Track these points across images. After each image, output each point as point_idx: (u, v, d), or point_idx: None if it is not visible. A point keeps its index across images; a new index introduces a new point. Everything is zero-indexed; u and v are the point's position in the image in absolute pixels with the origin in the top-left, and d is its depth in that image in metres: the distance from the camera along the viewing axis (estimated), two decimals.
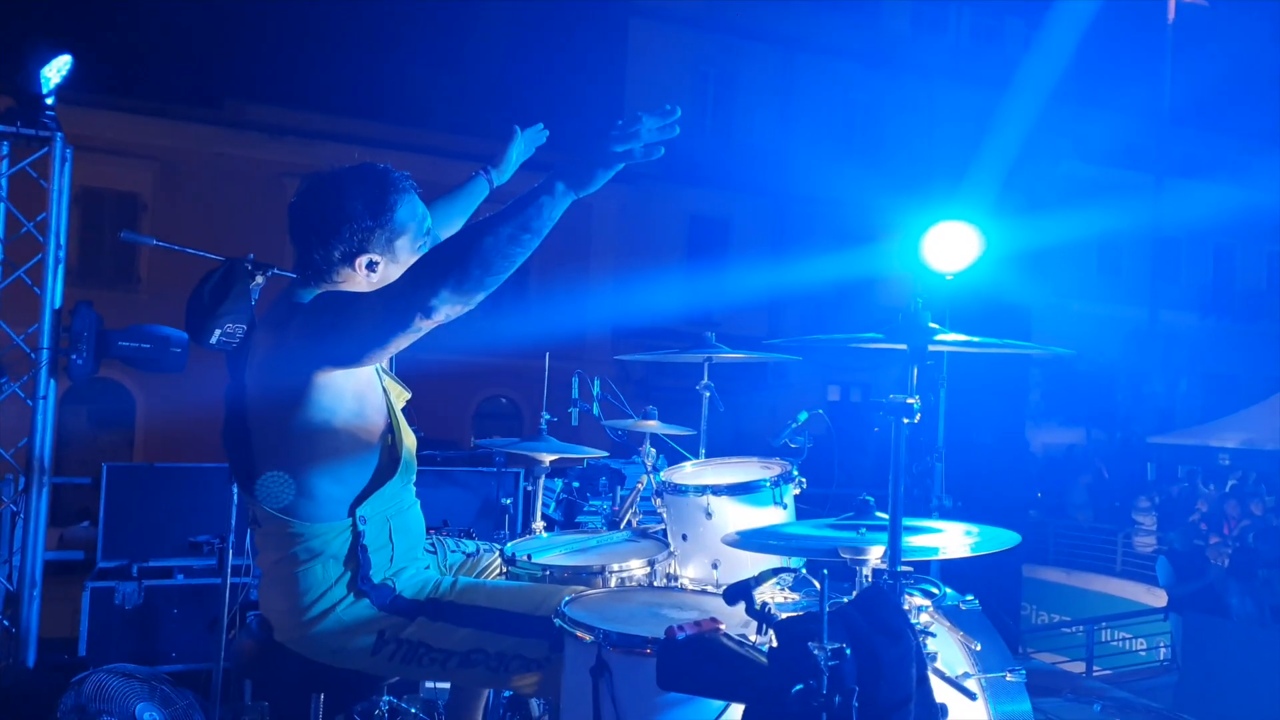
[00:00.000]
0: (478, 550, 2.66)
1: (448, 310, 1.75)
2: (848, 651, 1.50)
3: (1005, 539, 2.39)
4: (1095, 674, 9.48)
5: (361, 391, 2.03)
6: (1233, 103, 25.17)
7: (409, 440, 2.17)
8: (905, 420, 2.13)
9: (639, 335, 17.48)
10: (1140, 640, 10.98)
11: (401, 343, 1.85)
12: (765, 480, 3.00)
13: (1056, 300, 23.30)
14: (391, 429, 2.09)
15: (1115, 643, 11.15)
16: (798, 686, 1.48)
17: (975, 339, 2.37)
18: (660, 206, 19.61)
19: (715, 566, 2.95)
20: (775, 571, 2.03)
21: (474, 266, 1.71)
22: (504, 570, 2.59)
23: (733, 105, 21.11)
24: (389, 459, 2.09)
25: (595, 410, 4.57)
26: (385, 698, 3.07)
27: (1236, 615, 8.85)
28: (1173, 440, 14.92)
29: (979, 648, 2.66)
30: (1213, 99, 24.73)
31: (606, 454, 4.22)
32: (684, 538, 3.03)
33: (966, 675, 2.55)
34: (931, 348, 2.24)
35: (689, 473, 3.35)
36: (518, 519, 5.39)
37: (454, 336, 2.55)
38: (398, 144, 15.11)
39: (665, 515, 3.13)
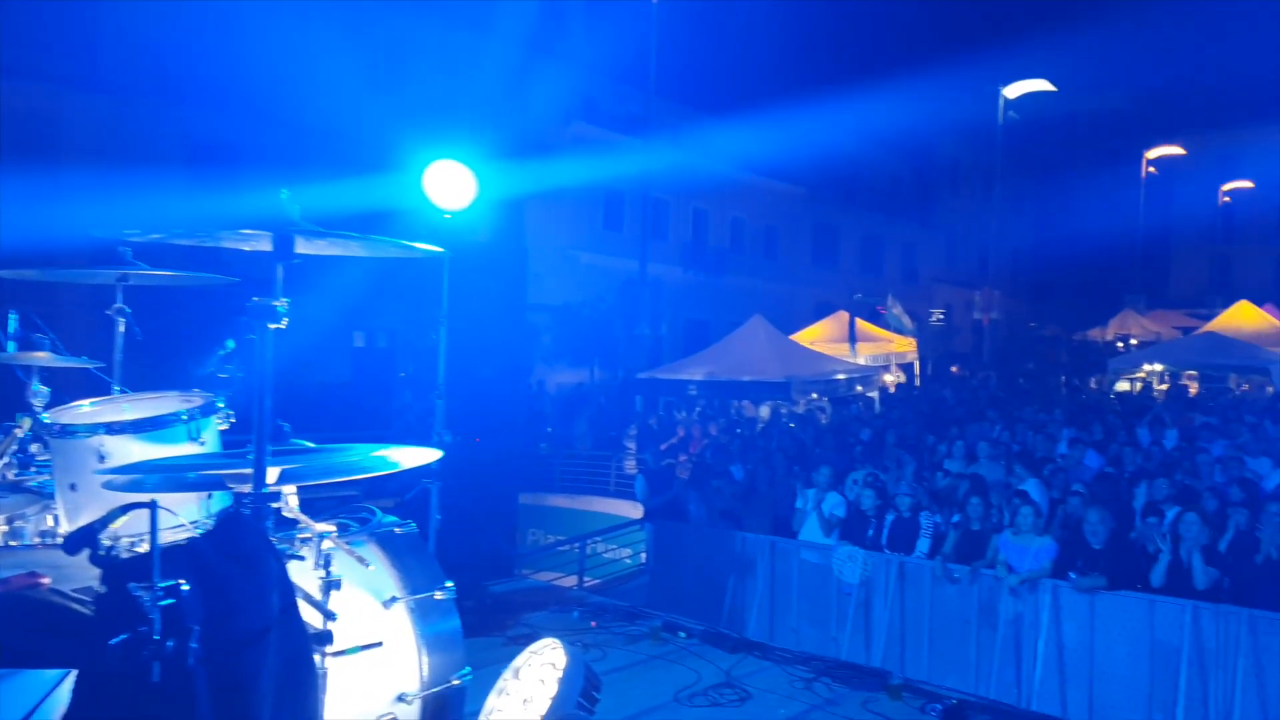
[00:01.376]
0: None
1: None
2: (185, 588, 1.34)
3: (424, 458, 2.57)
4: (586, 584, 10.75)
5: None
6: (709, 81, 29.14)
7: None
8: (271, 325, 2.05)
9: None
10: (626, 549, 12.64)
11: None
12: (180, 413, 2.66)
13: (568, 252, 25.40)
14: None
15: (607, 554, 12.70)
16: (120, 637, 1.31)
17: (342, 236, 2.30)
18: (147, 122, 17.59)
19: None
20: (126, 509, 1.80)
21: None
22: None
23: (237, 22, 19.42)
24: None
25: None
26: None
27: (693, 520, 10.52)
28: (656, 375, 17.16)
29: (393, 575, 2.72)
30: (691, 76, 28.41)
31: None
32: (72, 487, 2.60)
33: (394, 599, 2.64)
34: (302, 249, 2.17)
35: (84, 412, 2.90)
36: None
37: None
38: None
39: (52, 462, 2.72)
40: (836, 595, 8.67)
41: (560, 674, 2.56)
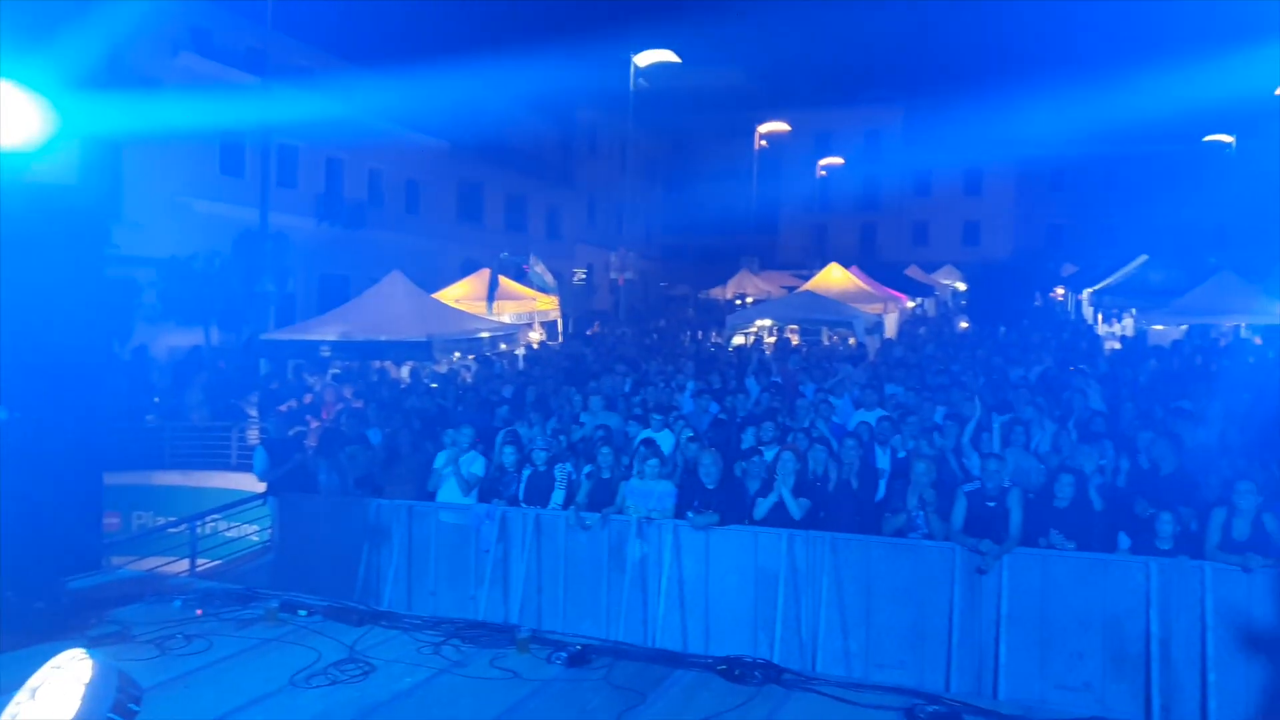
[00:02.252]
0: None
1: None
2: None
3: None
4: (200, 568, 9.72)
5: None
6: (336, 22, 27.40)
7: None
8: None
9: None
10: (251, 526, 11.60)
11: None
12: None
13: (179, 199, 22.73)
14: None
15: (228, 533, 11.56)
16: None
17: None
18: None
19: None
20: None
21: None
22: None
23: None
24: None
25: None
26: None
27: (325, 490, 9.89)
28: (282, 336, 15.94)
29: None
30: (317, 14, 26.58)
31: None
32: None
33: None
34: None
35: None
36: None
37: None
38: None
39: None
40: (475, 555, 8.61)
41: (85, 688, 2.15)
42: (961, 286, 42.26)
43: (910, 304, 30.77)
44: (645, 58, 30.22)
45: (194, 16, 23.89)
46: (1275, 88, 30.43)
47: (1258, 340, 17.89)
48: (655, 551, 7.75)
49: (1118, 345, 20.07)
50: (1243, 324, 18.70)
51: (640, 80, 30.83)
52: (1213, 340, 18.13)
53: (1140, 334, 20.13)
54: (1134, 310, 21.73)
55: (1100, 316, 25.55)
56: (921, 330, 25.18)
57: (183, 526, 10.15)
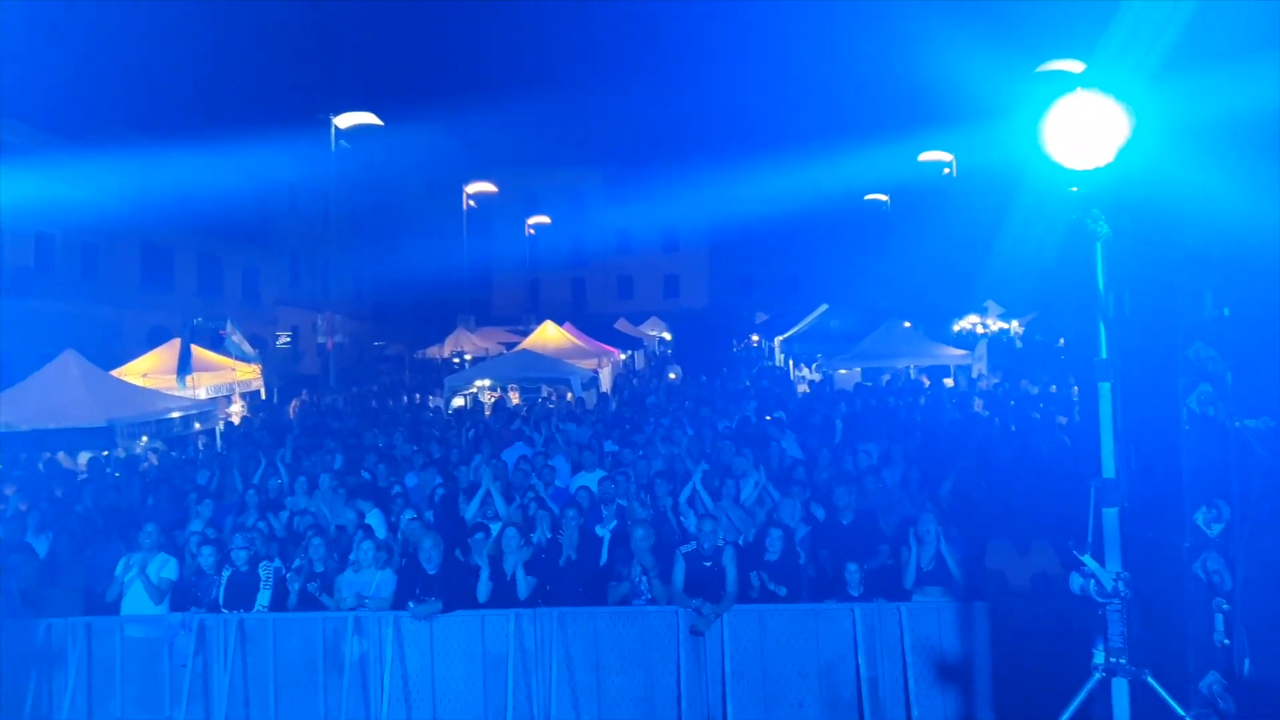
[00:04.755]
0: None
1: None
2: None
3: None
4: None
5: None
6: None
7: None
8: None
9: None
10: None
11: None
12: None
13: None
14: None
15: None
16: None
17: None
18: None
19: None
20: None
21: None
22: None
23: None
24: None
25: None
26: None
27: None
28: None
29: None
30: None
31: None
32: None
33: None
34: None
35: None
36: None
37: None
38: None
39: None
40: (171, 670, 7.77)
41: None
42: (668, 336, 44.67)
43: (621, 356, 32.00)
44: (346, 119, 29.50)
45: None
46: (918, 154, 35.37)
47: (925, 380, 20.33)
48: (376, 647, 7.38)
49: (807, 389, 22.00)
50: (912, 365, 21.20)
51: (341, 141, 29.98)
52: (903, 383, 20.20)
53: (827, 378, 22.21)
54: (819, 355, 24.00)
55: (792, 362, 27.94)
56: (634, 382, 26.23)
57: None
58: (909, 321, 21.71)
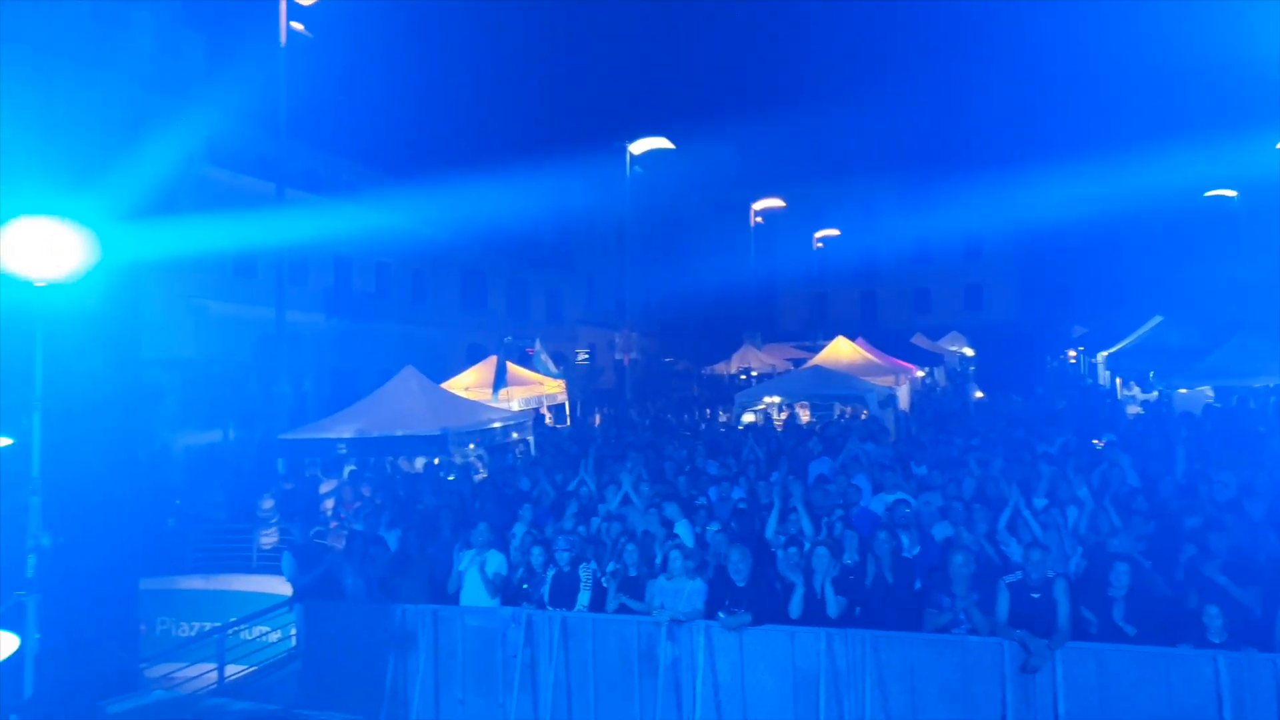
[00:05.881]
0: None
1: None
2: None
3: None
4: (232, 676, 9.59)
5: None
6: (343, 127, 28.11)
7: None
8: None
9: None
10: (276, 632, 11.46)
11: None
12: None
13: (195, 300, 22.98)
14: None
15: (255, 639, 11.42)
16: None
17: None
18: None
19: None
20: None
21: None
22: None
23: None
24: None
25: None
26: None
27: (350, 594, 9.76)
28: (300, 435, 15.92)
29: None
30: (330, 124, 27.29)
31: None
32: None
33: None
34: None
35: None
36: None
37: None
38: None
39: None
40: (503, 660, 8.48)
41: None
42: (969, 352, 42.21)
43: (919, 373, 30.79)
44: (640, 145, 31.04)
45: (209, 128, 24.45)
46: (1276, 142, 30.79)
47: None
48: (688, 654, 7.61)
49: (1140, 410, 19.90)
50: (1272, 384, 18.46)
51: (635, 167, 31.55)
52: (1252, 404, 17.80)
53: (1164, 398, 19.96)
54: (1152, 373, 21.54)
55: (1119, 381, 25.45)
56: (936, 400, 25.12)
57: (210, 637, 10.04)
58: (1265, 334, 18.85)
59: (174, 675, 9.92)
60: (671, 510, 9.60)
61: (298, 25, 20.72)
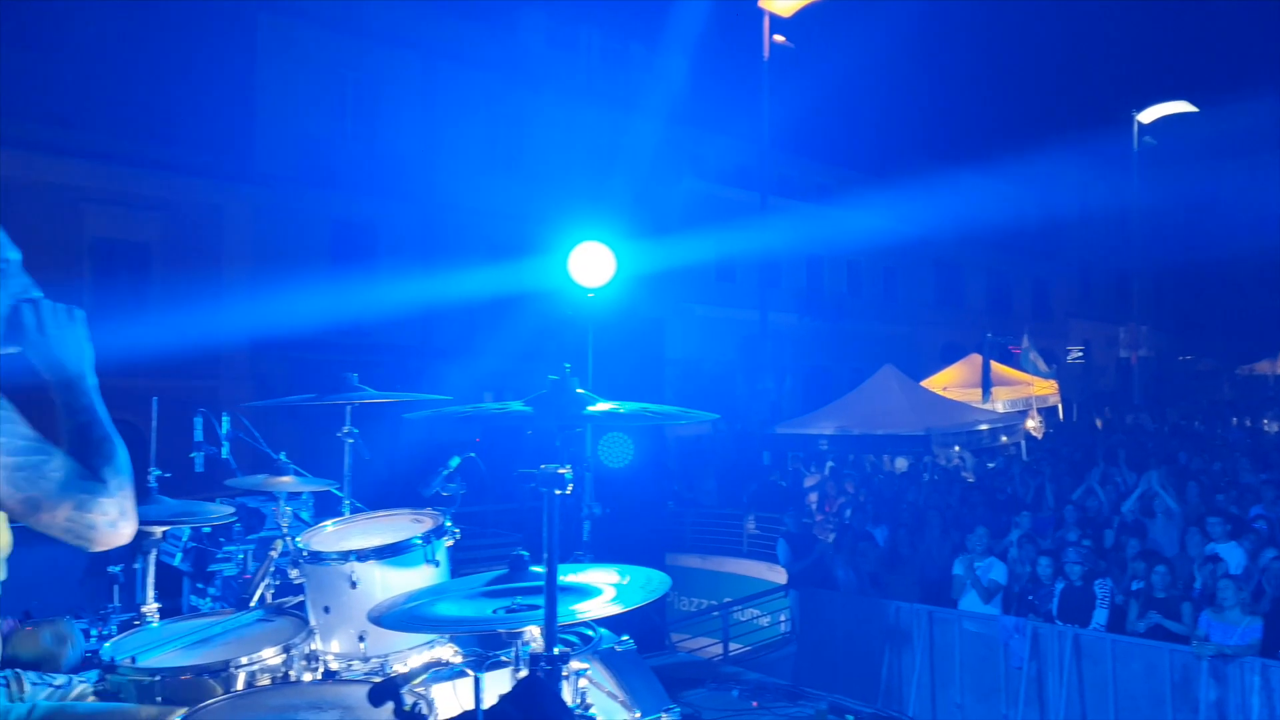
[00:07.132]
0: (69, 682, 2.23)
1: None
2: None
3: (652, 587, 2.42)
4: (732, 652, 10.36)
5: None
6: (817, 134, 28.89)
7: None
8: (558, 491, 2.08)
9: (282, 348, 16.22)
10: (767, 616, 12.19)
11: None
12: (416, 539, 2.83)
13: (684, 305, 25.31)
14: None
15: (748, 620, 12.28)
16: None
17: (621, 406, 2.36)
18: (299, 211, 18.44)
19: (362, 639, 2.75)
20: (428, 668, 1.93)
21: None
22: (103, 679, 2.20)
23: (375, 110, 20.42)
24: None
25: (224, 452, 4.14)
26: None
27: (842, 586, 10.01)
28: (785, 430, 16.68)
29: (623, 698, 2.71)
30: (803, 130, 28.23)
31: (232, 512, 3.79)
32: (326, 610, 2.79)
33: None
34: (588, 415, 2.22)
35: (330, 535, 3.09)
36: (139, 588, 4.66)
37: None
38: None
39: (305, 586, 2.88)
40: (1005, 669, 8.09)
41: None
42: None
43: None
44: (1151, 113, 27.42)
45: (691, 145, 26.80)
46: None
47: None
48: (1238, 695, 6.58)
49: None
50: None
51: (1145, 137, 27.97)
52: None
53: None
54: None
55: None
56: None
57: (717, 612, 10.93)
58: None
59: (682, 644, 10.99)
60: (1215, 529, 8.35)
61: (779, 38, 21.73)
